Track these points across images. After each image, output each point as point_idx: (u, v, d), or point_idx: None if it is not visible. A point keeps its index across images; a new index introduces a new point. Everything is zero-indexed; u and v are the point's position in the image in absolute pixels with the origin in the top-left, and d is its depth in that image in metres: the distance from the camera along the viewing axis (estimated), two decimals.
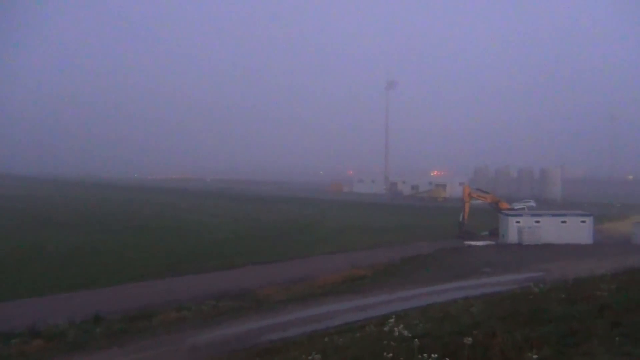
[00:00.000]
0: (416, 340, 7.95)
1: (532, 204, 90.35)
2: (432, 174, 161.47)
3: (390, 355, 7.39)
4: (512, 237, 51.23)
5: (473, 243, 51.68)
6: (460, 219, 59.09)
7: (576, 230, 51.62)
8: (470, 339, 7.28)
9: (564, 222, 52.54)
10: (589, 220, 52.76)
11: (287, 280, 34.50)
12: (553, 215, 54.89)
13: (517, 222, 52.04)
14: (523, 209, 72.29)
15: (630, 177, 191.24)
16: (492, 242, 52.89)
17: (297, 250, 47.46)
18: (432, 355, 6.59)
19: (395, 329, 10.53)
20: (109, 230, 59.38)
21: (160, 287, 33.11)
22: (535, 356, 6.15)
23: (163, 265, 39.55)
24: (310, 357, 9.13)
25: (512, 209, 63.08)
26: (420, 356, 6.75)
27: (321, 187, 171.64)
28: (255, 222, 70.52)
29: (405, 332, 10.22)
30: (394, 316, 15.08)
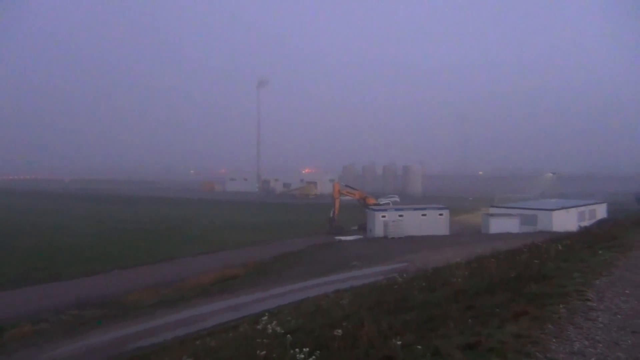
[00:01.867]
0: (289, 336, 8.05)
1: (396, 199, 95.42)
2: (303, 172, 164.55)
3: (264, 353, 7.41)
4: (379, 230, 53.78)
5: (343, 238, 53.46)
6: (331, 214, 60.86)
7: (435, 222, 55.59)
8: (340, 330, 7.53)
9: (424, 215, 56.30)
10: (445, 213, 57.07)
11: (157, 283, 33.21)
12: (415, 209, 58.50)
13: (383, 216, 54.74)
14: (388, 204, 76.12)
15: (481, 172, 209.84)
16: (361, 237, 55.13)
17: (167, 252, 45.82)
18: (304, 349, 6.71)
19: (269, 326, 10.56)
20: None
21: (12, 298, 30.13)
22: (399, 342, 6.50)
23: (15, 273, 35.99)
24: None
25: (379, 204, 66.21)
26: (292, 351, 6.85)
27: (192, 186, 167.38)
28: (121, 224, 66.80)
29: (279, 329, 10.31)
30: (267, 314, 15.12)
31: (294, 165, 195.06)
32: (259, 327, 11.67)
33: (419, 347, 6.37)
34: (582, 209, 64.04)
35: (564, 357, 5.57)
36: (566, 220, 55.73)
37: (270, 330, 10.16)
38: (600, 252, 12.14)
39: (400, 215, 55.27)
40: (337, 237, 53.65)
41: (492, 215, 58.72)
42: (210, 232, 59.91)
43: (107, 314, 26.46)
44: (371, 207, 60.40)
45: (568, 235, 21.95)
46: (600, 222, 46.97)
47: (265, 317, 12.76)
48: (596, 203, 69.74)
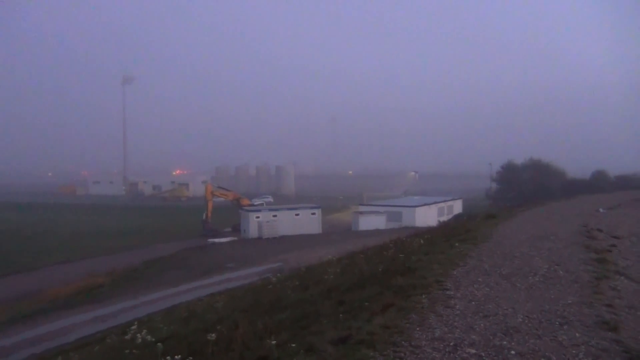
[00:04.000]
0: (160, 344, 7.77)
1: (270, 199, 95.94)
2: (174, 173, 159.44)
3: None
4: (253, 231, 53.71)
5: (217, 240, 52.67)
6: (204, 217, 59.73)
7: (308, 221, 56.77)
8: (214, 334, 7.42)
9: (297, 215, 57.29)
10: (318, 212, 58.54)
11: (10, 297, 30.31)
12: (288, 209, 59.33)
13: (257, 217, 54.79)
14: (262, 204, 76.35)
15: (350, 172, 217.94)
16: (235, 238, 54.67)
17: (21, 262, 41.91)
18: (176, 356, 6.52)
19: (138, 335, 10.12)
20: None
21: None
22: (273, 342, 6.56)
23: None
24: None
25: (252, 205, 66.16)
26: (164, 359, 6.62)
27: (50, 190, 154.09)
28: None
29: (149, 338, 9.93)
30: (136, 322, 14.45)
31: (164, 166, 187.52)
32: (128, 337, 11.13)
33: (293, 345, 6.47)
34: (441, 205, 69.28)
35: (426, 344, 5.97)
36: (427, 216, 59.86)
37: (140, 340, 9.76)
38: (456, 244, 13.12)
39: (274, 216, 55.70)
40: (211, 240, 52.74)
41: (361, 213, 61.31)
42: (72, 239, 55.78)
43: None
44: (245, 208, 60.19)
45: (429, 230, 23.52)
46: (457, 217, 51.10)
47: (135, 326, 12.22)
48: (453, 199, 75.80)
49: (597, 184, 67.99)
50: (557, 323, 6.70)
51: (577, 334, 6.28)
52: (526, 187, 75.53)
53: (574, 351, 5.76)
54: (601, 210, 20.67)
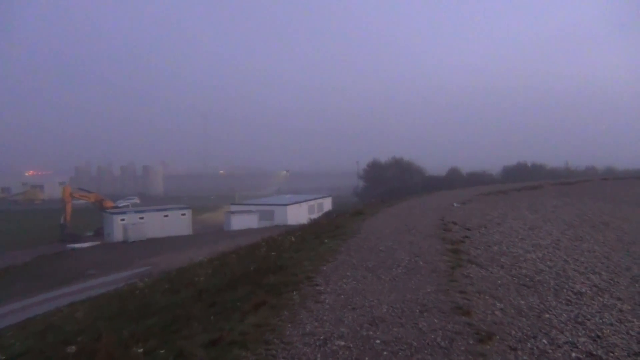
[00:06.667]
0: None
1: (136, 200, 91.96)
2: (27, 174, 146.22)
3: None
4: (118, 235, 51.00)
5: (77, 245, 49.21)
6: (62, 220, 55.81)
7: (177, 223, 55.15)
8: (74, 347, 6.93)
9: (166, 216, 55.38)
10: (188, 213, 57.10)
11: None
12: (156, 210, 57.15)
13: (122, 219, 52.10)
14: (127, 206, 72.89)
15: (222, 171, 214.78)
16: (98, 243, 51.56)
17: None
18: None
19: None
20: None
21: None
22: (140, 350, 6.29)
23: None
24: None
25: (117, 207, 62.93)
26: None
27: None
28: None
29: None
30: None
31: (15, 167, 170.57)
32: None
33: (162, 351, 6.26)
34: (312, 203, 70.97)
35: (297, 339, 6.09)
36: (299, 214, 61.01)
37: None
38: (326, 241, 13.47)
39: (141, 218, 53.37)
40: (70, 245, 49.12)
41: (232, 212, 60.84)
42: None
43: None
44: (108, 210, 57.00)
45: (300, 228, 23.89)
46: (327, 214, 52.65)
47: None
48: (323, 197, 78.03)
49: (452, 180, 73.96)
50: (418, 311, 7.18)
51: (435, 320, 6.78)
52: (390, 184, 79.98)
53: (432, 336, 6.21)
54: (455, 204, 22.37)
